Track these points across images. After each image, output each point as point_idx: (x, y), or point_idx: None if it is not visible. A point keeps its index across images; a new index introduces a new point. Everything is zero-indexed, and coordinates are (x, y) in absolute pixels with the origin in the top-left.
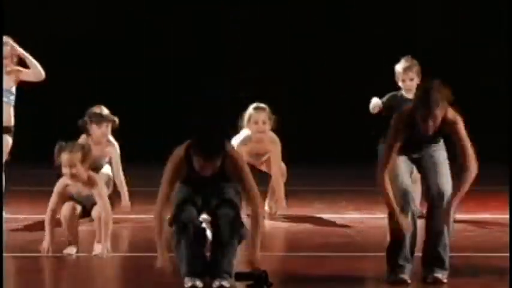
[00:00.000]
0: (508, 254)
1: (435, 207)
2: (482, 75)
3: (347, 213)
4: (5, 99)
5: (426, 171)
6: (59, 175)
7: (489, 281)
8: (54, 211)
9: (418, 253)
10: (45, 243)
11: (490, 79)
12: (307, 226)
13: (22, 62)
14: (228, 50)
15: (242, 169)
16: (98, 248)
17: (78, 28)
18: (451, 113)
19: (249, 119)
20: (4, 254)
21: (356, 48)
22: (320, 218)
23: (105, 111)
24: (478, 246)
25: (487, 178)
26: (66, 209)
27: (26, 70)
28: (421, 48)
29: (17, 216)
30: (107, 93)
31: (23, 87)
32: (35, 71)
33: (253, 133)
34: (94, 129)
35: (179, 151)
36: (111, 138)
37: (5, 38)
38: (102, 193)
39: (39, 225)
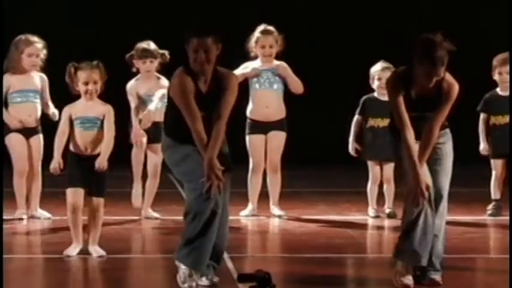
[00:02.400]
0: (508, 256)
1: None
2: (483, 75)
3: (350, 215)
4: (34, 99)
5: (428, 166)
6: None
7: (490, 283)
8: (63, 133)
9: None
10: (54, 163)
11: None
12: (310, 227)
13: None
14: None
15: (230, 92)
16: (92, 250)
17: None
18: (450, 77)
19: (256, 42)
20: (4, 256)
21: (362, 51)
22: (323, 220)
23: (152, 46)
24: (479, 248)
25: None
26: (70, 196)
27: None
28: None
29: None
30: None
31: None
32: None
33: (261, 57)
34: (140, 64)
35: (178, 71)
36: (161, 76)
37: (35, 38)
38: (111, 115)
39: (41, 227)
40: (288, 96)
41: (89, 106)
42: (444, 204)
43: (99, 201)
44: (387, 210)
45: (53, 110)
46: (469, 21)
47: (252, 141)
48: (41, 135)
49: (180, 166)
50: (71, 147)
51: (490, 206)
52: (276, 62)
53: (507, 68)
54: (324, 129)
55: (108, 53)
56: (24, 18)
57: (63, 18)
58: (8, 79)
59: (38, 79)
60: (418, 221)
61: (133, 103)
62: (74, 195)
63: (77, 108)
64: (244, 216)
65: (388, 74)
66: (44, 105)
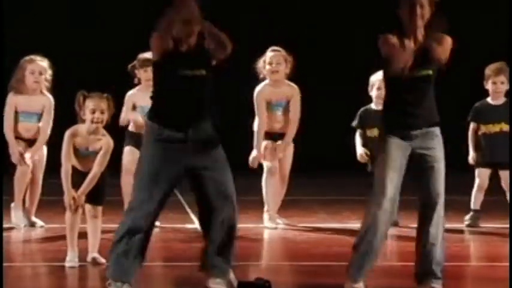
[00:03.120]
0: (507, 264)
1: (427, 216)
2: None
3: (350, 223)
4: (36, 122)
5: (420, 172)
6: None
7: None
8: (69, 161)
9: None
10: (66, 198)
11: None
12: (310, 236)
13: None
14: None
15: (218, 32)
16: (93, 257)
17: None
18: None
19: (264, 61)
20: (5, 264)
21: (361, 55)
22: (324, 228)
23: None
24: (478, 256)
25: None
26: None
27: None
28: None
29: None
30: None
31: None
32: None
33: (268, 75)
34: (141, 73)
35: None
36: None
37: (40, 58)
38: (108, 151)
39: (39, 235)
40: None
41: (91, 140)
42: (439, 212)
43: (97, 209)
44: None
45: (35, 155)
46: (469, 21)
47: (265, 146)
48: (44, 146)
49: (139, 163)
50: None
51: (468, 216)
52: (286, 83)
53: (501, 77)
54: (324, 136)
55: (107, 53)
56: (24, 18)
57: (63, 18)
58: (14, 99)
59: (42, 102)
60: (368, 231)
61: (124, 113)
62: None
63: (80, 138)
64: (269, 227)
65: None
66: (40, 129)
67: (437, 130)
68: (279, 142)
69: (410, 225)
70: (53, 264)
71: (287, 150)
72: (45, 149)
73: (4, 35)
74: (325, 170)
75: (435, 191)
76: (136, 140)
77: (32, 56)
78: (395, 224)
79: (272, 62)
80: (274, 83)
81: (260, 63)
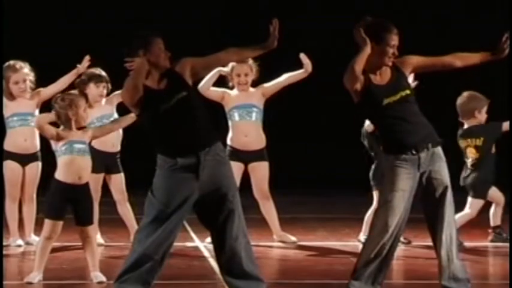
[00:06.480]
0: (508, 282)
1: (442, 245)
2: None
3: (350, 241)
4: (31, 124)
5: (429, 199)
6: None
7: None
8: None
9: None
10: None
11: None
12: (310, 254)
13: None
14: None
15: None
16: (93, 275)
17: None
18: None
19: (232, 70)
20: (4, 282)
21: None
22: (324, 246)
23: (103, 73)
24: (479, 274)
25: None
26: (48, 226)
27: (46, 89)
28: None
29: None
30: None
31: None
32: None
33: (236, 85)
34: (92, 88)
35: None
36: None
37: (21, 64)
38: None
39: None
40: (291, 121)
41: (79, 134)
42: (451, 236)
43: (86, 230)
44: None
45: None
46: (469, 21)
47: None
48: (39, 163)
49: (152, 193)
50: (59, 177)
51: None
52: (252, 90)
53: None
54: (323, 155)
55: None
56: (24, 19)
57: (63, 17)
58: (5, 102)
59: (33, 100)
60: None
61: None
62: (52, 226)
63: (71, 134)
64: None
65: None
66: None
67: (437, 150)
68: (253, 164)
69: (416, 244)
70: (53, 283)
71: (260, 170)
72: (39, 165)
73: (4, 35)
74: (323, 187)
75: (444, 218)
76: None
77: (12, 63)
78: (408, 242)
79: (240, 73)
80: (241, 91)
81: (228, 71)
